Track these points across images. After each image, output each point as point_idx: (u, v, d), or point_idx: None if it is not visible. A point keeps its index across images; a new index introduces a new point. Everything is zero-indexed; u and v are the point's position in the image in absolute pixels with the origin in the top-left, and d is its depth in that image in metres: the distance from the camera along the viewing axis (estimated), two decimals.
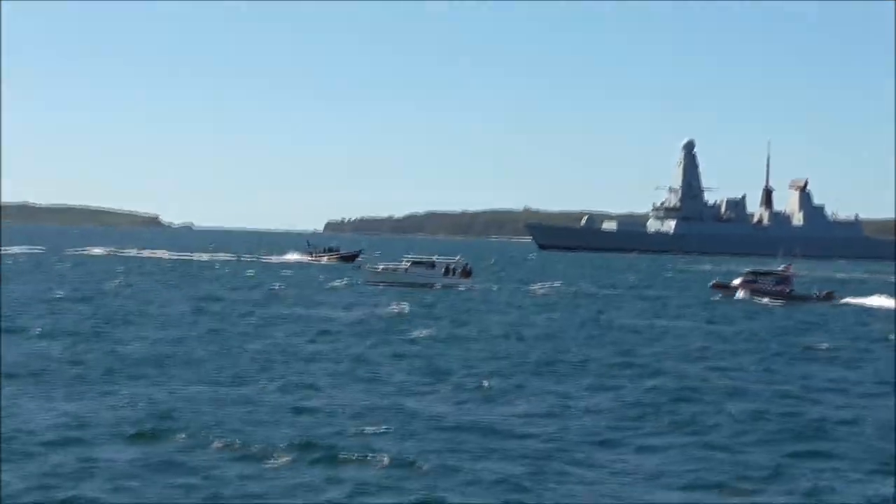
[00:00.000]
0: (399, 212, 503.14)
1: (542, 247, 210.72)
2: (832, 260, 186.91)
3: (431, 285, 72.58)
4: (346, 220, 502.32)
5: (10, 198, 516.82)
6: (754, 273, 73.60)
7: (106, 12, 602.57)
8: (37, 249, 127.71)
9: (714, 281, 77.58)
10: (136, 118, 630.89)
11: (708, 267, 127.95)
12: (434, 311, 53.95)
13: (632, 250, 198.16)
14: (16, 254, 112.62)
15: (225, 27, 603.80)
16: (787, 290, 70.14)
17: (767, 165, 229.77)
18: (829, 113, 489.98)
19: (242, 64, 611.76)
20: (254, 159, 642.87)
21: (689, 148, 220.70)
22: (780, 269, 73.69)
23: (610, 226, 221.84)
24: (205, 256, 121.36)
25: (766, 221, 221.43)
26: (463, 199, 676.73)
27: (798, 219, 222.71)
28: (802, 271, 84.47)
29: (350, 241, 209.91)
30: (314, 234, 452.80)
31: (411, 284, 72.84)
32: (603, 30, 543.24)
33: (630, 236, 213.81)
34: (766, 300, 68.52)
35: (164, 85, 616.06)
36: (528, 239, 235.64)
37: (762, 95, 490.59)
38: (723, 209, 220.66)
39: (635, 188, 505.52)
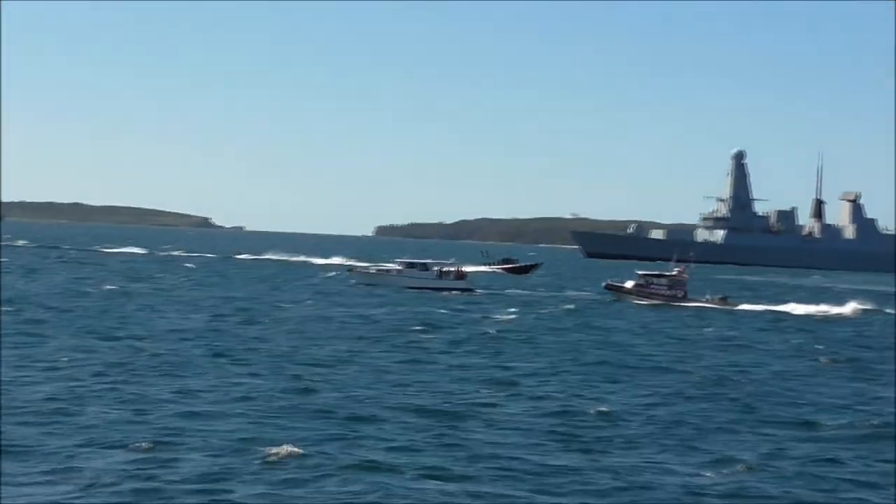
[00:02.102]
0: (450, 217, 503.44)
1: (588, 255, 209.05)
2: (884, 273, 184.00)
3: (425, 288, 71.73)
4: (396, 226, 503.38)
5: (63, 198, 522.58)
6: (647, 276, 74.20)
7: (146, 15, 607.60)
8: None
9: (606, 282, 77.55)
10: (188, 121, 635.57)
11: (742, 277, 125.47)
12: None
13: (679, 260, 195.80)
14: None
15: (270, 32, 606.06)
16: (680, 294, 71.01)
17: (819, 177, 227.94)
18: (884, 123, 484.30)
19: (303, 68, 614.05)
20: (303, 163, 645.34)
21: (739, 158, 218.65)
22: (672, 272, 73.33)
23: (658, 234, 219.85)
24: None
25: (816, 234, 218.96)
26: (514, 205, 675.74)
27: (849, 232, 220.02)
28: (842, 282, 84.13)
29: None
30: (362, 237, 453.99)
31: (405, 287, 72.06)
32: (658, 39, 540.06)
33: (677, 245, 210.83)
34: (651, 302, 69.89)
35: (219, 88, 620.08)
36: (576, 246, 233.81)
37: (815, 105, 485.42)
38: (772, 220, 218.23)
39: (686, 198, 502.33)
